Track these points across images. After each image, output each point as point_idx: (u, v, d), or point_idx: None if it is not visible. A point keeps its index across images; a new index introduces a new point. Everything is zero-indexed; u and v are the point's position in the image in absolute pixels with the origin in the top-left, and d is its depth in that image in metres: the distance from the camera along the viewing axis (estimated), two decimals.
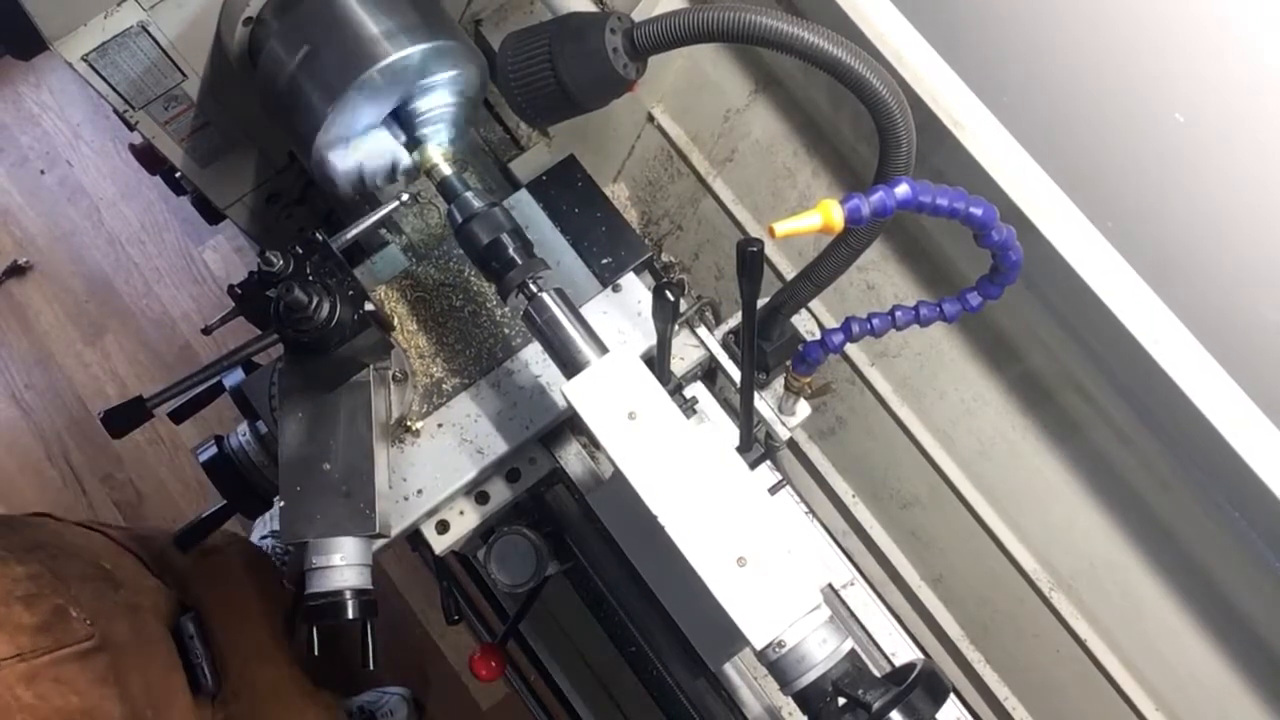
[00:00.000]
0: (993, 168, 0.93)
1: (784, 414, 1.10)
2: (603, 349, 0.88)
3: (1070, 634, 1.28)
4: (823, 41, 0.77)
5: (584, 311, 0.92)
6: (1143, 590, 1.18)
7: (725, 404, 1.11)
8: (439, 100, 0.99)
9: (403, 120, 0.97)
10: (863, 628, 1.14)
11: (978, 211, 0.72)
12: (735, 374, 1.09)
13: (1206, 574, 1.11)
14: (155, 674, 1.10)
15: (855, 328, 0.89)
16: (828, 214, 0.67)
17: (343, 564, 0.94)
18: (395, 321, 1.11)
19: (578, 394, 0.83)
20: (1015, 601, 1.33)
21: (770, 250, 1.38)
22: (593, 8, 0.96)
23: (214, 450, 1.09)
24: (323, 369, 0.96)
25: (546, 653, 1.47)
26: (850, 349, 1.35)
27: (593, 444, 1.10)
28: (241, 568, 1.41)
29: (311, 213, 1.39)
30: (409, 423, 1.07)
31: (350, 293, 0.92)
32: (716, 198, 1.40)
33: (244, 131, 1.16)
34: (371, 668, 0.94)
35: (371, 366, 1.00)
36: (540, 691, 1.54)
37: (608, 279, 1.12)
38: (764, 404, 1.09)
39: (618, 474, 0.81)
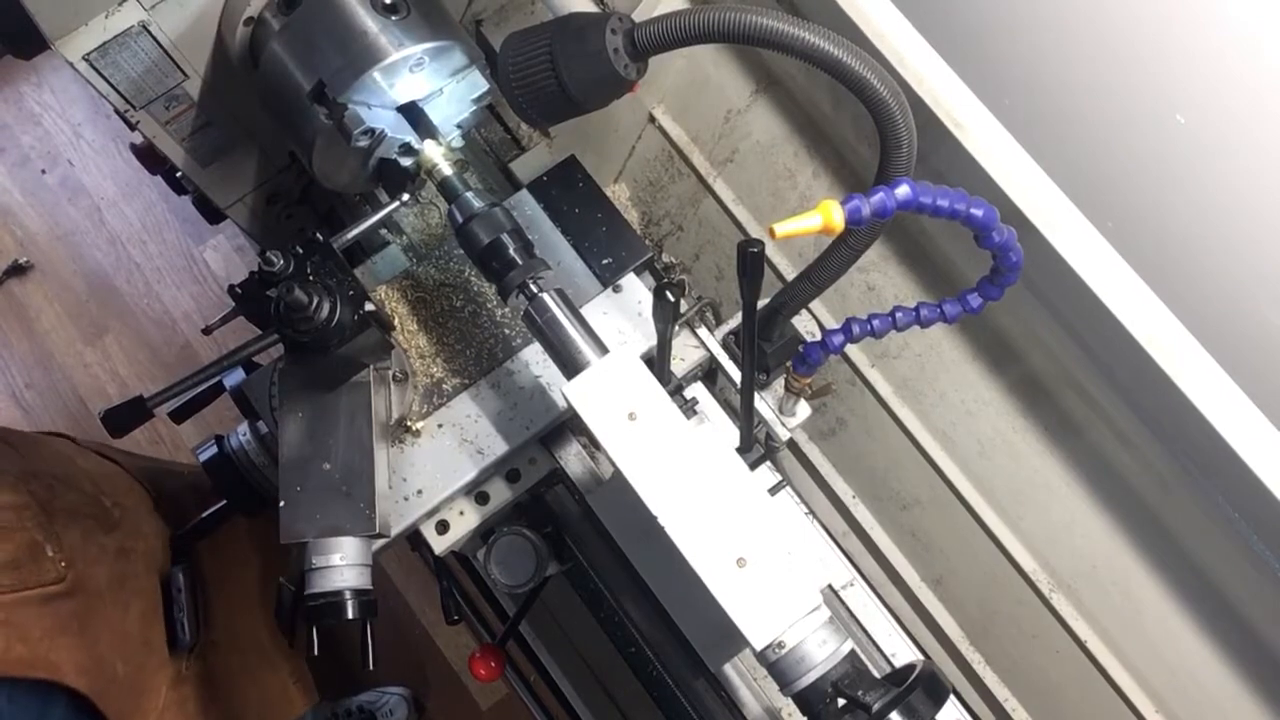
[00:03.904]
0: (993, 169, 0.93)
1: (784, 415, 1.10)
2: (603, 349, 0.88)
3: (1070, 635, 1.28)
4: (823, 42, 0.77)
5: (584, 312, 0.92)
6: (1143, 591, 1.18)
7: (725, 404, 1.11)
8: (440, 100, 0.99)
9: (404, 119, 0.96)
10: (863, 628, 1.14)
11: (978, 213, 0.72)
12: (735, 375, 1.09)
13: (1206, 574, 1.11)
14: (132, 623, 1.06)
15: (855, 329, 0.89)
16: (828, 215, 0.67)
17: (342, 564, 0.94)
18: (395, 321, 1.11)
19: (578, 394, 0.83)
20: (1015, 602, 1.33)
21: (771, 251, 1.38)
22: (594, 8, 0.96)
23: (214, 450, 1.09)
24: (323, 369, 0.96)
25: (546, 653, 1.47)
26: (851, 350, 1.35)
27: (593, 444, 1.10)
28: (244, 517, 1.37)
29: (312, 213, 1.39)
30: (409, 423, 1.07)
31: (350, 293, 0.92)
32: (717, 198, 1.40)
33: (245, 131, 1.16)
34: (371, 668, 0.94)
35: (371, 366, 1.00)
36: (540, 691, 1.54)
37: (608, 279, 1.12)
38: (764, 405, 1.09)
39: (618, 474, 0.81)
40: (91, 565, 1.02)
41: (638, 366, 0.83)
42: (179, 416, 1.08)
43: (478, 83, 0.99)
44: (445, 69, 0.96)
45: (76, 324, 2.34)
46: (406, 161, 0.97)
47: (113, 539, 1.09)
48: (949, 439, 1.32)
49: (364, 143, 0.95)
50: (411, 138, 0.96)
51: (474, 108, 1.01)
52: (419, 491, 1.05)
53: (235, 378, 1.06)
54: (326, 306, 0.90)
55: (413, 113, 0.95)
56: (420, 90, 0.96)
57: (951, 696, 0.84)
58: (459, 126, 1.02)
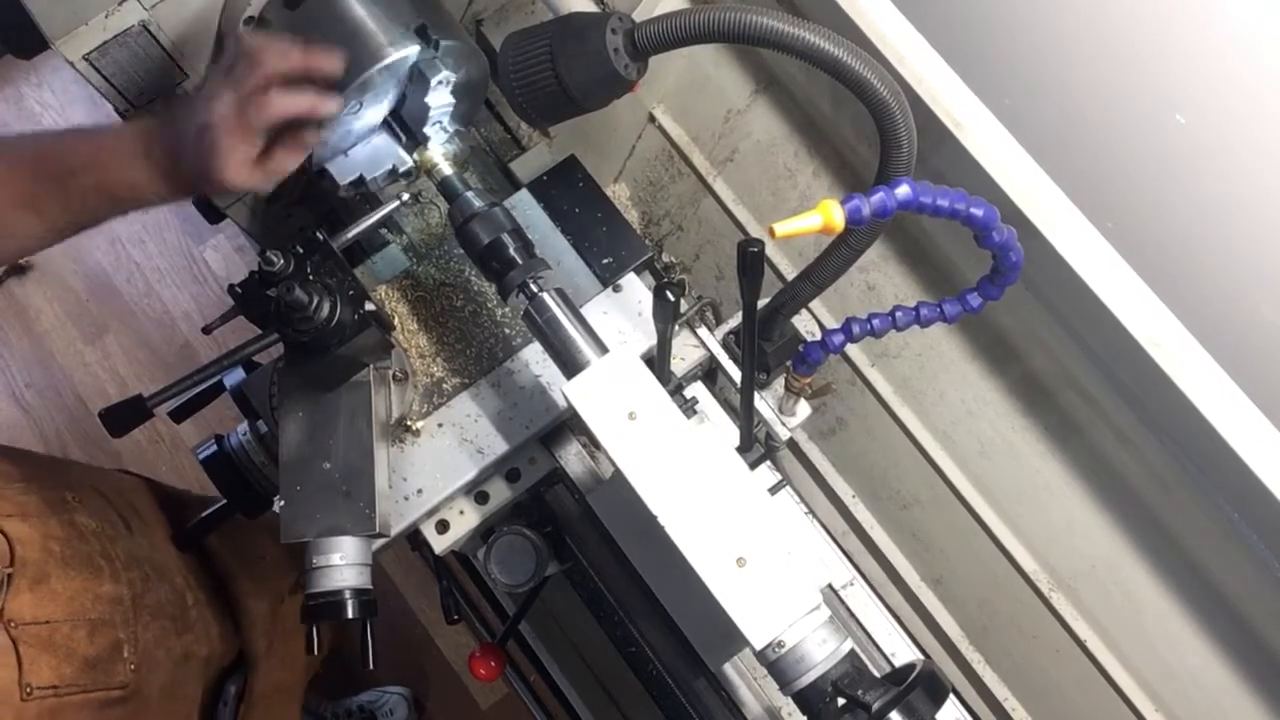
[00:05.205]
0: (993, 169, 0.93)
1: (784, 414, 1.10)
2: (603, 349, 0.89)
3: (1070, 635, 1.28)
4: (823, 42, 0.77)
5: (584, 311, 0.92)
6: (1143, 591, 1.18)
7: (725, 404, 1.11)
8: (440, 100, 0.99)
9: (403, 120, 0.96)
10: (862, 628, 1.14)
11: (978, 212, 0.72)
12: (735, 374, 1.09)
13: (1206, 574, 1.11)
14: None
15: (855, 328, 0.89)
16: (828, 214, 0.67)
17: (342, 563, 0.94)
18: (395, 321, 1.11)
19: (578, 394, 0.83)
20: (1015, 602, 1.33)
21: (771, 251, 1.38)
22: (594, 8, 0.96)
23: (214, 449, 1.09)
24: (323, 369, 0.96)
25: (546, 652, 1.47)
26: (850, 349, 1.35)
27: (593, 444, 1.10)
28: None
29: (312, 212, 1.39)
30: (409, 422, 1.07)
31: (350, 292, 0.92)
32: (717, 198, 1.40)
33: None
34: (371, 667, 0.94)
35: (372, 366, 1.00)
36: (540, 691, 1.54)
37: (608, 279, 1.12)
38: (764, 404, 1.09)
39: (618, 474, 0.81)
40: (154, 670, 1.00)
41: (638, 366, 0.84)
42: (179, 416, 1.08)
43: (435, 69, 0.96)
44: (446, 69, 0.96)
45: (76, 324, 2.34)
46: (400, 184, 0.98)
47: (181, 643, 1.07)
48: (949, 439, 1.32)
49: (351, 194, 0.96)
50: (395, 160, 0.96)
51: (474, 109, 1.01)
52: (419, 491, 1.05)
53: (235, 377, 1.06)
54: (326, 306, 0.90)
55: (393, 126, 0.96)
56: (421, 90, 0.95)
57: (951, 696, 0.84)
58: (452, 121, 1.02)
